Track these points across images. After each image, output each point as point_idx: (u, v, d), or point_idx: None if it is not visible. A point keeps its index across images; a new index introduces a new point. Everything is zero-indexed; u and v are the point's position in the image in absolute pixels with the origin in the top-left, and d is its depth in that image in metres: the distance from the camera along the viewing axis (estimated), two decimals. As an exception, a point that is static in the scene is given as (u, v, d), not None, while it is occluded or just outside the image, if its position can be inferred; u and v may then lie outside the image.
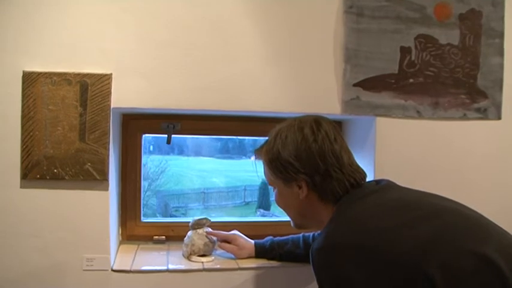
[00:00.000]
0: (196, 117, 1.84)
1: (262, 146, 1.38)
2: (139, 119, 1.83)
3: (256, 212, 6.08)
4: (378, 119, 1.73)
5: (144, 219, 1.87)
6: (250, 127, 1.88)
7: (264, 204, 5.97)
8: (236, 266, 1.64)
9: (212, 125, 1.86)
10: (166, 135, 1.82)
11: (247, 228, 1.88)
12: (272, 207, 6.28)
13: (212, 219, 1.77)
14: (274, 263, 1.67)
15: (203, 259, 1.68)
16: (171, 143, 1.81)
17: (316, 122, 1.30)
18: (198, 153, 6.31)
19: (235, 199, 6.59)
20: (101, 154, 1.55)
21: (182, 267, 1.63)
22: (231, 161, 6.27)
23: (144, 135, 1.85)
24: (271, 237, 1.72)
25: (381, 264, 1.06)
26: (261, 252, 1.69)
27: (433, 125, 1.77)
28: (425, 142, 1.77)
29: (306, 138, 1.27)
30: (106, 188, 1.57)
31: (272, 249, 1.68)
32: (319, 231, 1.59)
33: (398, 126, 1.74)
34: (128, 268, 1.60)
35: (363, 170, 1.32)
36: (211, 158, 6.29)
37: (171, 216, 5.82)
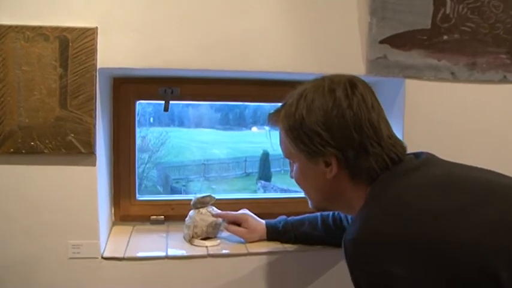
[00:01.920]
0: (197, 80, 1.53)
1: (279, 110, 1.08)
2: (132, 83, 1.52)
3: (256, 183, 5.84)
4: (408, 81, 1.43)
5: (139, 197, 1.59)
6: (259, 92, 1.58)
7: (264, 176, 5.73)
8: (245, 251, 1.37)
9: (216, 89, 1.56)
10: (163, 102, 1.52)
11: (256, 206, 1.61)
12: (273, 178, 6.05)
13: (217, 196, 1.48)
14: (288, 247, 1.39)
15: (207, 243, 1.41)
16: (168, 110, 1.51)
17: (351, 83, 1.01)
18: (198, 124, 6.03)
19: (236, 170, 6.33)
20: (85, 123, 1.25)
21: (183, 253, 1.35)
22: (232, 132, 6.00)
23: (138, 102, 1.55)
24: (284, 216, 1.44)
25: (433, 259, 0.81)
26: (273, 234, 1.42)
27: (469, 89, 1.47)
28: (460, 108, 1.47)
29: (338, 103, 0.98)
30: (93, 163, 1.28)
31: (286, 231, 1.40)
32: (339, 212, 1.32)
33: (430, 90, 1.45)
34: (120, 255, 1.32)
35: (402, 143, 1.03)
36: (211, 130, 6.01)
37: (171, 188, 5.56)
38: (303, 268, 1.39)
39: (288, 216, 1.44)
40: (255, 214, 1.54)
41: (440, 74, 1.44)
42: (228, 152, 6.50)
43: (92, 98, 1.25)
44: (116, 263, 1.31)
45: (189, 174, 6.08)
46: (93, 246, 1.30)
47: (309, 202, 1.13)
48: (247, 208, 1.51)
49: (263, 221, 1.44)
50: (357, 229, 0.89)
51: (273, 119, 1.09)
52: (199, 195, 1.46)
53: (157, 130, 5.26)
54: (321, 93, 1.00)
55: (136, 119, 1.55)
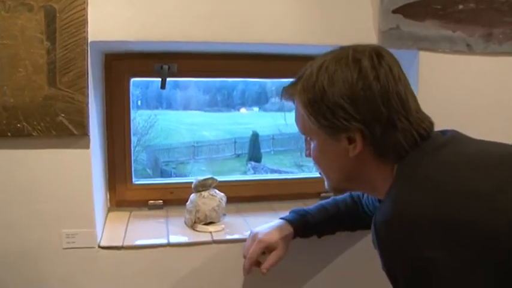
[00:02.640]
0: (195, 55, 1.41)
1: (295, 83, 0.96)
2: (126, 59, 1.39)
3: (247, 164, 5.73)
4: (422, 53, 1.32)
5: (136, 181, 1.46)
6: (262, 67, 1.45)
7: (254, 156, 5.62)
8: (252, 236, 1.27)
9: (215, 65, 1.43)
10: (160, 79, 1.40)
11: (255, 187, 1.51)
12: (263, 159, 5.95)
13: (218, 179, 1.37)
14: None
15: (211, 228, 1.30)
16: (165, 87, 1.39)
17: (377, 52, 0.89)
18: (186, 106, 5.88)
19: (225, 152, 6.21)
20: (77, 102, 1.13)
21: (186, 239, 1.24)
22: (220, 114, 5.88)
23: (132, 80, 1.42)
24: (297, 209, 1.24)
25: (475, 242, 0.72)
26: (300, 231, 1.20)
27: (485, 61, 1.36)
28: (476, 81, 1.37)
29: (364, 74, 0.86)
30: (87, 145, 1.16)
31: (310, 227, 1.20)
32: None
33: (444, 63, 1.34)
34: (119, 243, 1.21)
35: (430, 118, 0.93)
36: (200, 112, 5.88)
37: (161, 171, 5.43)
38: (315, 252, 1.29)
39: (302, 208, 1.24)
40: (259, 196, 1.44)
41: (455, 46, 1.33)
42: (217, 133, 6.38)
43: (83, 75, 1.13)
44: (114, 252, 1.20)
45: (178, 156, 5.95)
46: (88, 235, 1.18)
47: (326, 183, 1.02)
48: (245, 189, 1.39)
49: (279, 221, 1.19)
50: (390, 210, 0.79)
51: (288, 92, 0.98)
52: (200, 178, 1.34)
53: (145, 113, 5.10)
54: (344, 64, 0.88)
55: (131, 97, 1.43)
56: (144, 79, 1.46)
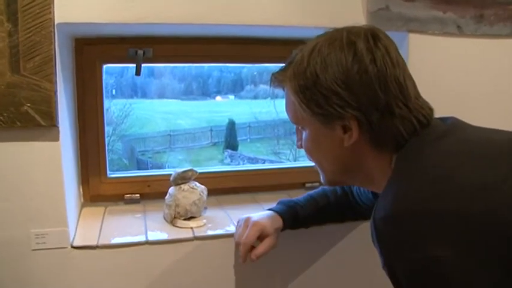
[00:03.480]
0: (172, 40, 1.30)
1: (285, 68, 0.87)
2: (98, 44, 1.27)
3: (223, 152, 5.62)
4: (411, 35, 1.25)
5: (111, 174, 1.36)
6: (244, 52, 1.35)
7: (231, 145, 5.52)
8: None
9: (194, 49, 1.32)
10: (134, 65, 1.28)
11: (236, 178, 1.43)
12: (240, 147, 5.85)
13: (198, 170, 1.28)
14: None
15: (192, 223, 1.21)
16: (140, 74, 1.28)
17: (373, 34, 0.81)
18: (161, 95, 5.72)
19: (202, 140, 6.08)
20: (44, 90, 1.01)
21: (166, 236, 1.15)
22: (196, 102, 5.73)
23: (105, 66, 1.31)
24: (287, 199, 1.16)
25: (483, 237, 0.65)
26: (289, 222, 1.12)
27: (476, 44, 1.30)
28: (466, 64, 1.30)
29: (360, 57, 0.78)
30: (56, 137, 1.04)
31: (299, 219, 1.13)
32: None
33: (435, 45, 1.27)
34: (93, 243, 1.10)
35: (429, 104, 0.85)
36: (175, 100, 5.72)
37: (137, 161, 5.28)
38: (302, 248, 1.21)
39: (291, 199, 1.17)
40: (241, 188, 1.36)
41: (445, 28, 1.25)
42: (193, 122, 6.24)
43: (50, 60, 1.01)
44: (88, 252, 1.09)
45: (155, 145, 5.79)
46: (60, 234, 1.08)
47: (321, 176, 0.94)
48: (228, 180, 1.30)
49: (269, 213, 1.11)
50: (389, 205, 0.71)
51: (278, 79, 0.88)
52: (179, 170, 1.24)
53: (120, 102, 4.93)
54: (338, 46, 0.79)
55: (104, 85, 1.31)
56: (117, 65, 1.35)
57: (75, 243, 1.09)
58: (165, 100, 5.70)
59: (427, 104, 0.84)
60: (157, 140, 5.87)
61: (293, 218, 1.11)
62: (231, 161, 5.35)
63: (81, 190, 1.33)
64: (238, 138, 5.67)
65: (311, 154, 0.90)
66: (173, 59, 1.34)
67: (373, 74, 0.77)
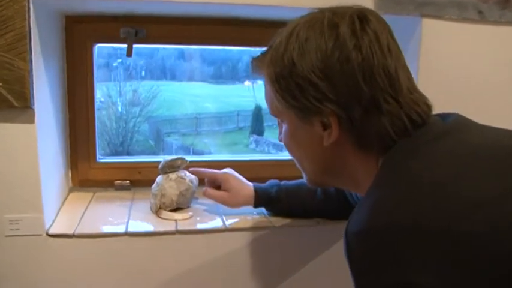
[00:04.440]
0: (167, 19, 1.20)
1: (264, 53, 0.77)
2: (89, 23, 1.19)
3: (249, 137, 5.52)
4: (425, 21, 1.11)
5: (100, 159, 1.28)
6: (240, 34, 1.24)
7: (257, 130, 5.43)
8: (222, 226, 1.09)
9: (189, 30, 1.23)
10: (125, 45, 1.20)
11: (242, 168, 1.32)
12: (265, 133, 5.74)
13: (197, 157, 1.20)
14: (275, 221, 1.11)
15: (177, 215, 1.12)
16: (132, 55, 1.19)
17: (361, 16, 0.69)
18: (190, 78, 5.65)
19: (228, 124, 5.99)
20: (17, 69, 0.94)
21: (147, 228, 1.07)
22: (224, 86, 5.64)
23: (96, 46, 1.23)
24: (276, 181, 1.13)
25: (476, 262, 0.53)
26: (262, 201, 1.11)
27: (500, 32, 1.14)
28: (487, 55, 1.15)
29: (342, 42, 0.67)
30: (31, 120, 0.97)
31: (279, 200, 1.10)
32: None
33: (451, 32, 1.12)
34: (70, 231, 1.03)
35: (427, 99, 0.73)
36: (204, 83, 5.65)
37: (163, 142, 5.26)
38: (292, 248, 1.11)
39: (280, 181, 1.13)
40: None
41: (465, 13, 1.11)
42: (220, 106, 6.15)
43: (24, 37, 0.93)
44: (63, 241, 1.02)
45: (181, 128, 5.75)
46: (35, 221, 1.01)
47: (304, 175, 0.84)
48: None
49: (250, 184, 1.13)
50: (364, 218, 0.60)
51: (256, 65, 0.78)
52: (168, 158, 1.16)
53: (149, 84, 4.89)
54: (319, 30, 0.68)
55: (95, 65, 1.23)
56: (108, 45, 1.27)
57: (51, 231, 1.02)
58: (193, 83, 5.63)
59: (423, 99, 0.71)
60: (184, 123, 5.81)
61: (268, 196, 1.10)
62: (256, 146, 5.26)
63: (69, 174, 1.26)
64: (265, 124, 5.56)
65: (290, 150, 0.80)
66: (167, 40, 1.24)
67: (357, 62, 0.66)
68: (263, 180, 1.14)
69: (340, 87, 0.67)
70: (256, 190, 1.11)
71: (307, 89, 0.68)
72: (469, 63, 1.14)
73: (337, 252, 1.11)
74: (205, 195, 1.12)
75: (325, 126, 0.70)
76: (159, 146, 5.20)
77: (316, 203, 1.08)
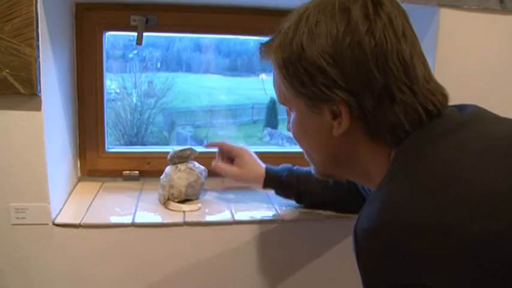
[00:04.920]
0: (179, 7, 1.17)
1: (273, 38, 0.73)
2: (99, 10, 1.17)
3: (263, 130, 5.50)
4: (443, 10, 1.06)
5: (109, 149, 1.26)
6: (253, 23, 1.20)
7: (271, 123, 5.40)
8: (230, 219, 1.06)
9: (202, 19, 1.19)
10: (136, 33, 1.17)
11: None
12: (280, 126, 5.70)
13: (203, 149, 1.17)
14: (284, 215, 1.08)
15: (185, 207, 1.10)
16: (142, 43, 1.16)
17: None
18: (206, 70, 5.63)
19: (242, 117, 5.96)
20: (24, 55, 0.91)
21: (154, 219, 1.04)
22: (239, 79, 5.61)
23: (106, 33, 1.20)
24: (288, 165, 1.11)
25: (489, 262, 0.50)
26: (272, 183, 1.10)
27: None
28: (509, 47, 1.10)
29: (354, 27, 0.63)
30: (38, 107, 0.95)
31: (289, 185, 1.07)
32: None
33: (471, 23, 1.07)
34: (76, 221, 1.01)
35: (444, 89, 0.68)
36: (219, 76, 5.63)
37: (177, 134, 5.25)
38: (301, 242, 1.08)
39: (293, 166, 1.11)
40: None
41: (485, 2, 1.06)
42: (235, 98, 6.12)
43: (31, 23, 0.91)
44: (70, 231, 1.01)
45: (195, 120, 5.73)
46: (41, 210, 0.99)
47: (312, 166, 0.80)
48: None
49: (263, 164, 1.12)
50: (375, 214, 0.57)
51: (264, 51, 0.74)
52: (177, 149, 1.13)
53: (164, 75, 4.88)
54: (329, 14, 0.64)
55: (108, 54, 1.21)
56: (119, 33, 1.24)
57: (58, 221, 1.01)
58: (208, 75, 5.62)
59: (440, 89, 0.67)
60: (199, 115, 5.79)
61: (278, 180, 1.09)
62: (270, 139, 5.22)
63: (78, 164, 1.25)
64: (279, 117, 5.53)
65: (299, 140, 0.77)
66: (179, 28, 1.21)
67: (369, 48, 0.62)
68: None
69: (351, 74, 0.63)
70: (267, 171, 1.10)
71: (316, 76, 0.64)
72: (488, 55, 1.09)
73: (345, 247, 1.08)
74: (215, 168, 1.12)
75: (335, 115, 0.67)
76: (173, 138, 5.21)
77: (326, 193, 1.05)
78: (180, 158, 1.13)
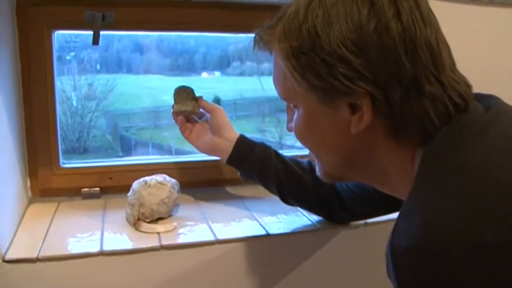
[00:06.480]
0: (139, 1, 1.01)
1: (274, 24, 0.60)
2: (46, 5, 0.98)
3: (209, 129, 5.36)
4: (432, 2, 0.96)
5: (64, 164, 1.08)
6: (220, 19, 1.07)
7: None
8: (212, 238, 0.92)
9: (163, 14, 1.04)
10: (91, 32, 1.00)
11: (217, 170, 1.16)
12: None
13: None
14: (269, 228, 0.95)
15: (159, 227, 0.95)
16: (99, 43, 0.99)
17: None
18: (147, 71, 5.40)
19: (187, 117, 5.80)
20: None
21: (125, 245, 0.88)
22: (181, 78, 5.43)
23: (55, 32, 1.02)
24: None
25: None
26: (244, 152, 0.96)
27: (508, 15, 1.03)
28: (496, 39, 1.04)
29: (379, 9, 0.53)
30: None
31: (266, 157, 0.94)
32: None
33: (459, 15, 1.01)
34: (33, 255, 0.83)
35: (466, 79, 0.59)
36: (160, 76, 5.42)
37: (121, 137, 4.98)
38: (290, 258, 0.96)
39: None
40: (223, 180, 1.11)
41: (472, -6, 0.99)
42: (178, 98, 5.95)
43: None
44: (25, 267, 0.82)
45: (139, 122, 5.49)
46: (-13, 244, 0.81)
47: (318, 168, 0.68)
48: (211, 172, 1.11)
49: (237, 133, 0.99)
50: (416, 229, 0.46)
51: (264, 39, 0.61)
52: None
53: (104, 77, 4.61)
54: None
55: (55, 55, 1.02)
56: (70, 32, 1.06)
57: (9, 256, 0.82)
58: (150, 76, 5.39)
59: (464, 79, 0.59)
60: (142, 116, 5.55)
61: (253, 149, 0.95)
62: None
63: (28, 183, 1.05)
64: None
65: (305, 140, 0.65)
66: (138, 25, 1.04)
67: (397, 33, 0.52)
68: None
69: (378, 63, 0.52)
70: (240, 138, 0.97)
71: (335, 66, 0.53)
72: (477, 47, 1.03)
73: (339, 261, 0.98)
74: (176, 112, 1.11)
75: (354, 110, 0.56)
76: (116, 141, 4.93)
77: (305, 174, 0.93)
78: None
